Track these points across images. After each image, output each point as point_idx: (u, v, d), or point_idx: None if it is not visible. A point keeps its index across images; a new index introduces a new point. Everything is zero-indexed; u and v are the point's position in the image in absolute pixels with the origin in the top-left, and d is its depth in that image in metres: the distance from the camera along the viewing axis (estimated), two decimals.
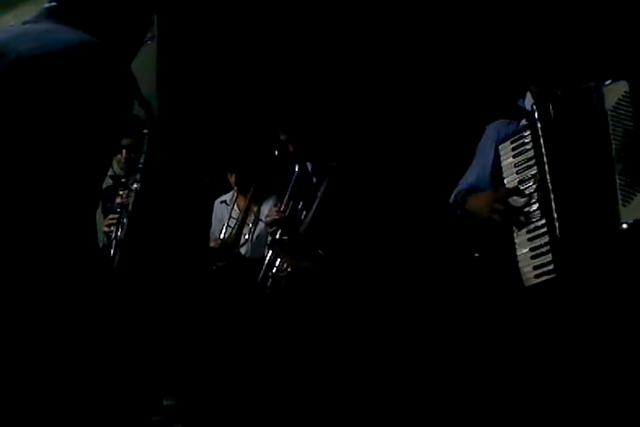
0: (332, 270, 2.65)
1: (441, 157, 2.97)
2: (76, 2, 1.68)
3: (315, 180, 2.91)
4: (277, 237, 2.86)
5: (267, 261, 2.88)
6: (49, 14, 1.67)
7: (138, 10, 1.73)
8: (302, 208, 2.87)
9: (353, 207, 2.67)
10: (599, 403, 2.11)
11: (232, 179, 3.39)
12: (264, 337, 2.69)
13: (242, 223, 3.26)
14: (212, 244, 3.32)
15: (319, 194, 2.80)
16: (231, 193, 3.49)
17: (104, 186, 3.06)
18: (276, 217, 2.89)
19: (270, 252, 2.89)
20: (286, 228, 2.85)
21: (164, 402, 2.86)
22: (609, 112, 2.14)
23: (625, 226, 2.06)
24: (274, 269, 2.83)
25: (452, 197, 2.52)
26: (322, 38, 3.47)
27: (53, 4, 1.67)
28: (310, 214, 2.79)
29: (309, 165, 2.94)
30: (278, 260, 2.84)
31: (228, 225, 3.33)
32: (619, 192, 2.09)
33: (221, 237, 3.31)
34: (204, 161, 3.56)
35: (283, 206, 2.91)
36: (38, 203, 1.62)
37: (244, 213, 3.27)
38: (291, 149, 2.88)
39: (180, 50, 3.82)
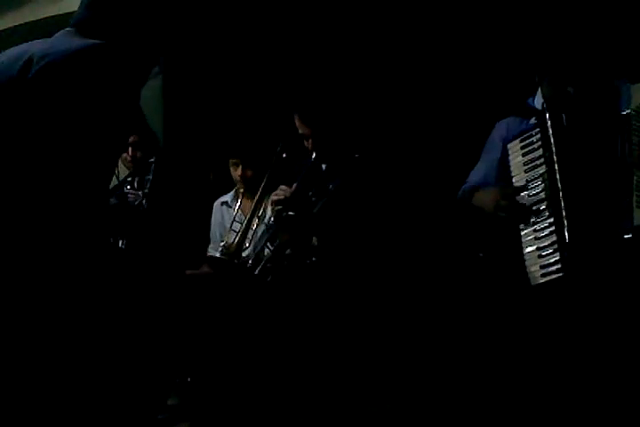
0: (334, 266, 2.63)
1: (451, 154, 2.98)
2: (91, 23, 1.78)
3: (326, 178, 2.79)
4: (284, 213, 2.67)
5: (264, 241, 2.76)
6: (64, 33, 1.79)
7: (144, 24, 1.82)
8: (312, 196, 2.73)
9: (364, 203, 2.63)
10: (601, 402, 2.12)
11: (237, 172, 3.20)
12: (264, 335, 2.67)
13: (246, 229, 3.04)
14: (214, 252, 3.18)
15: (335, 184, 2.67)
16: (232, 193, 3.34)
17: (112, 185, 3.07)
18: (282, 197, 2.68)
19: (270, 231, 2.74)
20: (294, 206, 2.67)
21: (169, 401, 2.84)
22: (633, 112, 2.14)
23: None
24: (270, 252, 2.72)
25: (460, 193, 2.53)
26: (330, 41, 3.47)
27: (73, 28, 1.79)
28: (323, 201, 2.66)
29: (323, 166, 2.82)
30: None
31: (232, 229, 3.16)
32: (635, 193, 2.09)
33: (223, 242, 3.14)
34: (208, 158, 3.50)
35: (292, 189, 2.70)
36: (48, 199, 1.64)
37: (250, 217, 3.06)
38: (308, 145, 2.74)
39: (185, 44, 3.77)
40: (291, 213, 2.66)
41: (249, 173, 3.17)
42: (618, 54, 2.34)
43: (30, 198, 1.64)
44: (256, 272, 2.70)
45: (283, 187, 2.73)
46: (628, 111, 2.15)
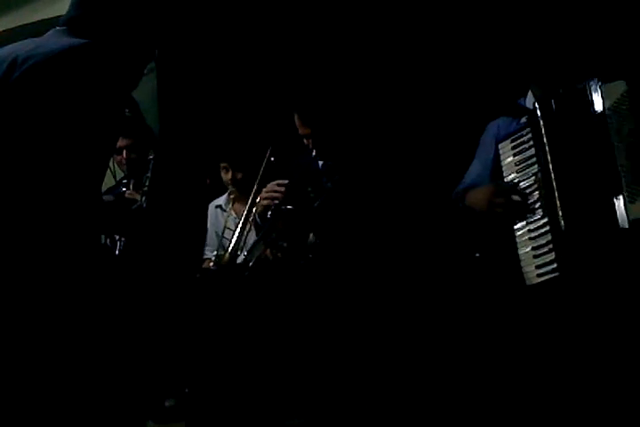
0: (333, 263, 2.62)
1: (444, 155, 2.97)
2: (81, 21, 1.79)
3: (324, 179, 2.80)
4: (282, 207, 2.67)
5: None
6: (54, 32, 1.81)
7: (135, 23, 1.83)
8: (310, 192, 2.73)
9: (362, 201, 2.63)
10: (599, 402, 2.10)
11: (227, 176, 3.24)
12: (261, 334, 2.67)
13: (239, 238, 2.95)
14: (210, 255, 3.15)
15: (333, 182, 2.69)
16: (224, 197, 3.34)
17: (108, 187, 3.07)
18: (278, 192, 2.71)
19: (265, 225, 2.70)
20: (292, 200, 2.68)
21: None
22: (607, 111, 2.14)
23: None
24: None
25: (454, 194, 2.52)
26: (328, 41, 3.47)
27: (64, 27, 1.80)
28: (323, 197, 2.67)
29: (320, 163, 2.85)
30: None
31: (223, 237, 3.12)
32: (624, 190, 2.08)
33: (215, 252, 3.08)
34: (205, 161, 3.50)
35: (287, 183, 2.71)
36: (40, 200, 1.64)
37: (243, 224, 2.96)
38: (309, 144, 2.77)
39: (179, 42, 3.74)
40: (289, 206, 2.66)
41: (239, 175, 3.19)
42: (592, 54, 2.33)
43: (17, 198, 1.64)
44: (251, 268, 2.70)
45: (276, 182, 2.76)
46: (602, 110, 2.14)
